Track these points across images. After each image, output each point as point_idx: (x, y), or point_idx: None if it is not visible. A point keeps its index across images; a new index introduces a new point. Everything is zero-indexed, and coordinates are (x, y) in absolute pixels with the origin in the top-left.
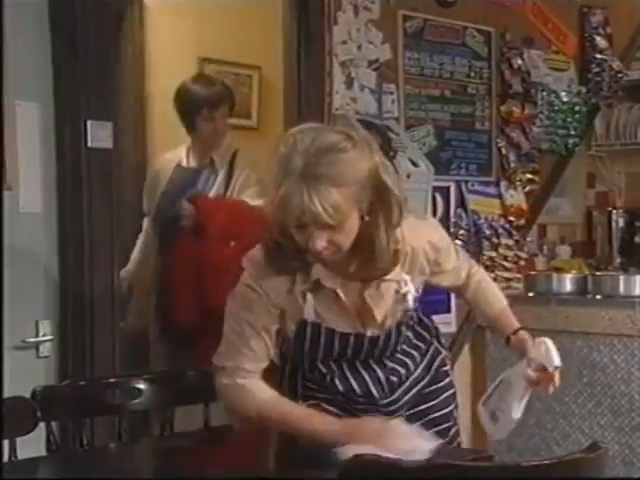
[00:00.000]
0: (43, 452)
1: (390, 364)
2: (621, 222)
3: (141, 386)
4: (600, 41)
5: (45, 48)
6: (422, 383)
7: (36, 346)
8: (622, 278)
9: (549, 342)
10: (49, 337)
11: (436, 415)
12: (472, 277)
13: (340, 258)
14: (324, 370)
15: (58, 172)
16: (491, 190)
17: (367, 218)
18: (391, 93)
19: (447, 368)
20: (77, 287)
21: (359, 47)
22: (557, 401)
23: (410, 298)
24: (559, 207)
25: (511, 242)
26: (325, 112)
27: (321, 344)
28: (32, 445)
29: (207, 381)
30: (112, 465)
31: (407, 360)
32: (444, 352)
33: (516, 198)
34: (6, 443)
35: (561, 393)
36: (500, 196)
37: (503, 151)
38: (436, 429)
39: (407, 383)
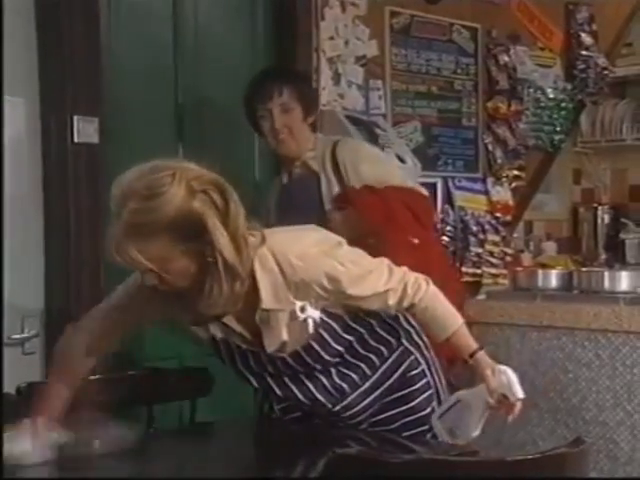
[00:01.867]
0: None
1: (339, 370)
2: (607, 218)
3: (126, 382)
4: (586, 38)
5: (31, 43)
6: (384, 386)
7: (22, 343)
8: (607, 274)
9: (509, 372)
10: (35, 333)
11: (409, 419)
12: (416, 306)
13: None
14: (255, 384)
15: (44, 167)
16: (478, 186)
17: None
18: (378, 89)
19: (421, 369)
20: (63, 284)
21: (346, 43)
22: (542, 396)
23: (311, 323)
24: (545, 203)
25: (497, 238)
26: None
27: (238, 361)
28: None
29: (193, 377)
30: (96, 462)
31: (362, 365)
32: (416, 353)
33: (502, 194)
34: None
35: (546, 389)
36: (487, 192)
37: (489, 147)
38: (411, 432)
39: (364, 387)
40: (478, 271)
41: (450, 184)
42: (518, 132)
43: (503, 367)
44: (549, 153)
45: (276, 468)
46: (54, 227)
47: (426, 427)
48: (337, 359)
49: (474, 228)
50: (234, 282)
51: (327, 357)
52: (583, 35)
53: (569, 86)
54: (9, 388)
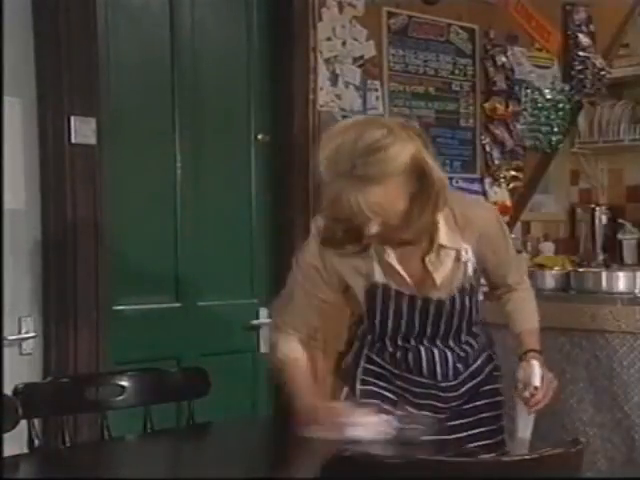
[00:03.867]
0: (25, 449)
1: (457, 348)
2: (604, 219)
3: (124, 383)
4: (583, 39)
5: (28, 43)
6: (478, 379)
7: (19, 343)
8: (604, 274)
9: (534, 363)
10: (32, 334)
11: (485, 415)
12: (517, 291)
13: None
14: (391, 349)
15: (41, 168)
16: (475, 187)
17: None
18: (375, 90)
19: (498, 374)
20: (60, 284)
21: (344, 44)
22: None
23: (470, 266)
24: (543, 204)
25: None
26: (310, 109)
27: (391, 308)
28: (13, 442)
29: (190, 378)
30: (94, 462)
31: (468, 349)
32: (495, 359)
33: (500, 195)
34: None
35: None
36: (484, 193)
37: (487, 148)
38: (484, 429)
39: (467, 373)
40: None
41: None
42: (516, 133)
43: (534, 360)
44: (547, 154)
45: (275, 468)
46: (51, 227)
47: (495, 426)
48: (465, 334)
49: None
50: (436, 210)
51: (465, 323)
52: (580, 36)
53: (566, 87)
54: (6, 389)
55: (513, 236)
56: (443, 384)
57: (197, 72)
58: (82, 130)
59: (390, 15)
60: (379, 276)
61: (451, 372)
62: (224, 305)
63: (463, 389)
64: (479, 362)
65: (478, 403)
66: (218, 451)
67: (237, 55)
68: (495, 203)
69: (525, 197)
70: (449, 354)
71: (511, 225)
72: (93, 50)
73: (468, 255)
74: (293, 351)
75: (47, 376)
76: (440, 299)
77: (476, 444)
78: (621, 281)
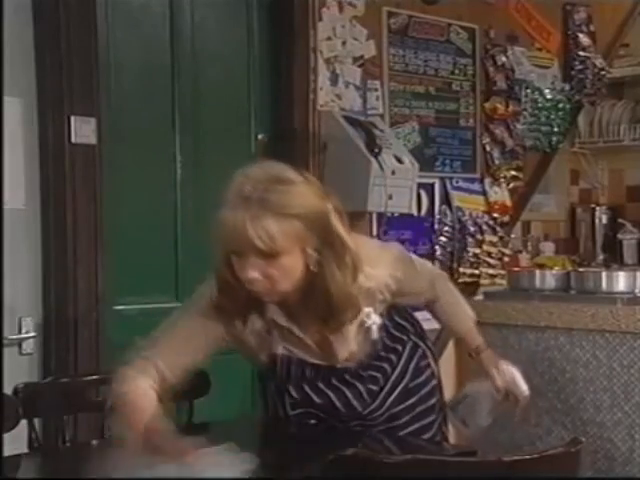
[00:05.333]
0: (25, 449)
1: (366, 374)
2: (604, 219)
3: None
4: (583, 38)
5: (28, 43)
6: (403, 382)
7: (19, 343)
8: (604, 274)
9: (514, 371)
10: (32, 334)
11: (420, 409)
12: (440, 299)
13: (296, 308)
14: (295, 396)
15: (41, 168)
16: (475, 187)
17: (314, 268)
18: (376, 90)
19: (427, 361)
20: (60, 284)
21: (344, 44)
22: (540, 397)
23: (375, 329)
24: (543, 204)
25: (495, 239)
26: (310, 108)
27: (292, 374)
28: (13, 442)
29: (190, 378)
30: (95, 462)
31: (384, 365)
32: (422, 345)
33: (500, 195)
34: None
35: (544, 389)
36: (484, 193)
37: (487, 148)
38: (421, 423)
39: (387, 387)
40: (476, 271)
41: (448, 184)
42: (516, 133)
43: (508, 366)
44: (547, 154)
45: (275, 468)
46: (51, 227)
47: (434, 417)
48: (375, 360)
49: (472, 229)
50: (354, 281)
51: (369, 361)
52: (581, 36)
53: (567, 87)
54: (6, 389)
55: (513, 236)
56: (365, 412)
57: (197, 72)
58: (82, 130)
59: (390, 15)
60: (277, 348)
61: (367, 398)
62: None
63: (388, 402)
64: (398, 370)
65: (411, 401)
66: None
67: (237, 55)
68: (495, 203)
69: (525, 197)
70: (358, 385)
71: (511, 225)
72: (93, 50)
73: (372, 319)
74: (140, 387)
75: (47, 376)
76: (346, 367)
77: (415, 426)
78: (621, 281)
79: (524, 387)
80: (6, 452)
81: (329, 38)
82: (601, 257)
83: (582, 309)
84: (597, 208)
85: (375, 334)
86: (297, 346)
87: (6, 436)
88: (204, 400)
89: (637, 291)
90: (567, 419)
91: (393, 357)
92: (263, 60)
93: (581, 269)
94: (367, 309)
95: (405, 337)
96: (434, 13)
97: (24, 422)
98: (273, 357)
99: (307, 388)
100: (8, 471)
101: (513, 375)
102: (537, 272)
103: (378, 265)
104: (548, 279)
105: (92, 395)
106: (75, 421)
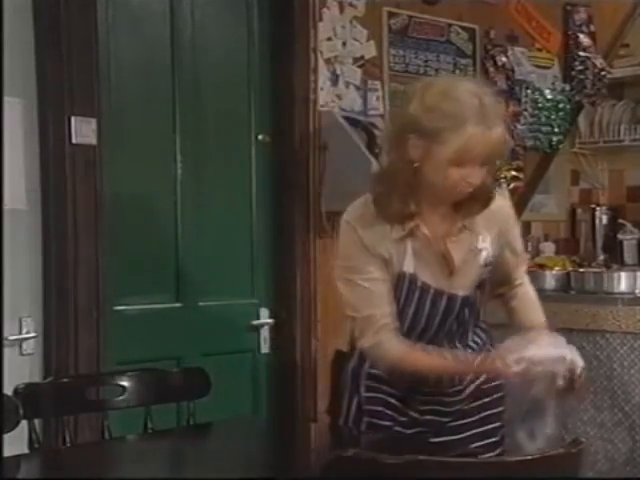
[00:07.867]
0: (25, 450)
1: (463, 350)
2: (604, 219)
3: (124, 383)
4: (584, 39)
5: (29, 43)
6: (481, 377)
7: (19, 343)
8: (605, 275)
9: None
10: (32, 334)
11: (489, 413)
12: (521, 286)
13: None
14: (410, 321)
15: (42, 168)
16: None
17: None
18: (376, 90)
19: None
20: (61, 284)
21: (344, 44)
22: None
23: (484, 254)
24: (543, 204)
25: None
26: (310, 109)
27: (414, 301)
28: (14, 442)
29: (191, 378)
30: (94, 462)
31: (474, 347)
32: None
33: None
34: None
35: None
36: None
37: None
38: (487, 427)
39: (471, 375)
40: None
41: None
42: (516, 133)
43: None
44: (547, 154)
45: (275, 468)
46: (52, 227)
47: (498, 424)
48: (471, 333)
49: None
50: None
51: (473, 320)
52: (581, 36)
53: (567, 87)
54: (6, 389)
55: None
56: (449, 389)
57: (197, 72)
58: (82, 130)
59: (390, 15)
60: (408, 265)
61: (457, 377)
62: (225, 305)
63: (467, 391)
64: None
65: (481, 402)
66: (218, 451)
67: (237, 55)
68: None
69: (525, 197)
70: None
71: None
72: (93, 50)
73: (485, 243)
74: (396, 348)
75: (47, 376)
76: (464, 295)
77: (478, 444)
78: (621, 281)
79: (579, 360)
80: (6, 452)
81: (329, 38)
82: (601, 257)
83: (582, 309)
84: (597, 208)
85: (482, 260)
86: (424, 261)
87: (6, 436)
88: (204, 400)
89: (637, 291)
90: (567, 419)
91: (479, 341)
92: (263, 60)
93: (581, 269)
94: (484, 232)
95: (484, 336)
96: (434, 13)
97: (24, 422)
98: (401, 277)
99: (423, 319)
100: (8, 471)
101: (573, 350)
102: (537, 272)
103: (501, 196)
104: (548, 279)
105: (92, 395)
106: (75, 421)
